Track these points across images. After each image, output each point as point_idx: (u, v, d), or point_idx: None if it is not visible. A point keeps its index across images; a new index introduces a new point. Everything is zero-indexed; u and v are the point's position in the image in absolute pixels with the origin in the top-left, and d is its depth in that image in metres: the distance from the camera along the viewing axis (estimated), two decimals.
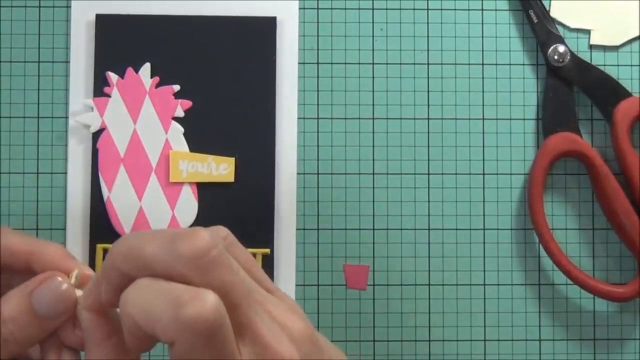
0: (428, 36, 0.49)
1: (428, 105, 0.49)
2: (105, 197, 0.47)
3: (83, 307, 0.31)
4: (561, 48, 0.47)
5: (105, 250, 0.47)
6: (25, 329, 0.31)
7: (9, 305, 0.31)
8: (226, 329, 0.28)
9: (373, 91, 0.49)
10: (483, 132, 0.48)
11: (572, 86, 0.48)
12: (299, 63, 0.48)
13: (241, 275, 0.29)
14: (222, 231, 0.31)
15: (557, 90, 0.48)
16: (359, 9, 0.49)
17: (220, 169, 0.48)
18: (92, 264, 0.47)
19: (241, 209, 0.48)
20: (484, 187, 0.48)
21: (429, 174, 0.48)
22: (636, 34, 0.49)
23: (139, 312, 0.28)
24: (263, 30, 0.48)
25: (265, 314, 0.30)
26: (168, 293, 0.28)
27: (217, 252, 0.28)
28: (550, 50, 0.47)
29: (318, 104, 0.48)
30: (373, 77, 0.49)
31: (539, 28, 0.48)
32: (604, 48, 0.49)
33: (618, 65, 0.49)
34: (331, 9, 0.49)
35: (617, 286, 0.47)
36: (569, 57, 0.47)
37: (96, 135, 0.48)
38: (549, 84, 0.48)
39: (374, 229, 0.48)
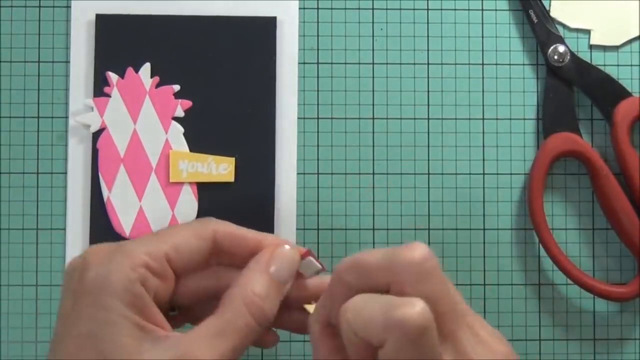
0: (428, 36, 0.49)
1: (428, 105, 0.49)
2: (105, 197, 0.47)
3: (315, 320, 0.35)
4: (561, 48, 0.47)
5: None
6: (275, 300, 0.36)
7: (257, 286, 0.35)
8: (432, 332, 0.30)
9: (373, 91, 0.49)
10: (483, 132, 0.48)
11: (572, 86, 0.48)
12: (299, 63, 0.48)
13: (449, 288, 0.32)
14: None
15: (557, 90, 0.48)
16: (359, 9, 0.49)
17: (220, 169, 0.48)
18: None
19: (241, 209, 0.48)
20: (484, 187, 0.48)
21: (429, 174, 0.48)
22: (636, 34, 0.49)
23: (354, 317, 0.31)
24: (263, 30, 0.48)
25: (467, 329, 0.33)
26: (381, 300, 0.31)
27: (432, 263, 0.32)
28: (550, 50, 0.47)
29: (318, 104, 0.48)
30: (373, 77, 0.49)
31: (539, 28, 0.48)
32: (604, 48, 0.49)
33: (618, 65, 0.49)
34: (331, 9, 0.49)
35: (617, 286, 0.47)
36: (569, 57, 0.47)
37: (96, 135, 0.48)
38: (549, 84, 0.48)
39: (374, 229, 0.48)
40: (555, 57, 0.47)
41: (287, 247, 0.37)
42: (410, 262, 0.31)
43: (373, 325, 0.30)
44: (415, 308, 0.30)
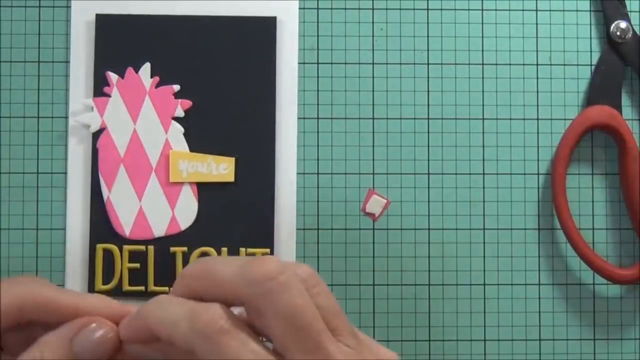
0: (428, 36, 0.49)
1: (428, 105, 0.49)
2: (105, 197, 0.47)
3: (124, 339, 0.33)
4: (623, 24, 0.48)
5: (105, 250, 0.47)
6: None
7: (49, 349, 0.32)
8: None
9: (373, 91, 0.49)
10: (483, 132, 0.49)
11: (627, 64, 0.48)
12: (299, 63, 0.48)
13: (306, 299, 0.30)
14: (304, 270, 0.31)
15: (611, 64, 0.48)
16: (359, 9, 0.49)
17: (220, 169, 0.48)
18: (92, 264, 0.47)
19: (241, 209, 0.48)
20: (484, 187, 0.48)
21: (429, 174, 0.48)
22: None
23: (156, 321, 0.30)
24: (263, 30, 0.48)
25: (341, 345, 0.30)
26: (184, 305, 0.30)
27: (286, 277, 0.29)
28: (613, 25, 0.48)
29: (318, 104, 0.48)
30: (373, 77, 0.49)
31: (608, 1, 0.48)
32: None
33: None
34: (331, 9, 0.49)
35: (619, 268, 0.47)
36: (630, 35, 0.48)
37: (96, 135, 0.48)
38: (604, 57, 0.48)
39: (374, 229, 0.48)
40: (618, 33, 0.48)
41: (94, 326, 0.33)
42: (261, 277, 0.29)
43: (177, 330, 0.30)
44: (214, 311, 0.29)
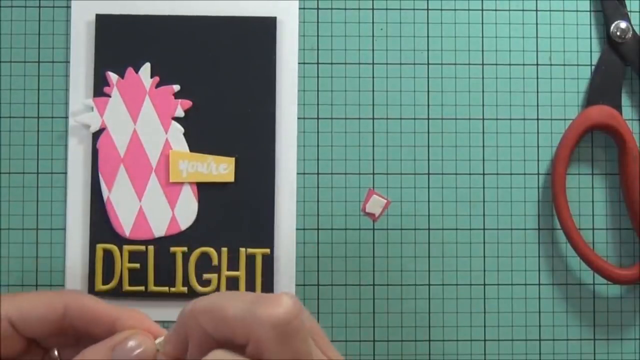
0: (428, 36, 0.49)
1: (428, 105, 0.49)
2: (105, 197, 0.47)
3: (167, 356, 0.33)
4: (623, 24, 0.47)
5: (105, 250, 0.47)
6: None
7: (92, 357, 0.34)
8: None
9: (373, 91, 0.49)
10: (483, 132, 0.49)
11: (627, 64, 0.48)
12: (299, 63, 0.48)
13: (310, 344, 0.30)
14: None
15: (611, 64, 0.48)
16: (359, 9, 0.49)
17: (220, 169, 0.48)
18: (92, 264, 0.47)
19: (241, 209, 0.48)
20: (483, 187, 0.48)
21: (429, 174, 0.48)
22: None
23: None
24: (263, 30, 0.48)
25: None
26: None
27: (298, 322, 0.29)
28: (613, 25, 0.48)
29: (318, 104, 0.48)
30: (373, 77, 0.49)
31: (608, 1, 0.48)
32: None
33: None
34: (331, 9, 0.49)
35: (619, 269, 0.47)
36: (630, 35, 0.48)
37: (96, 135, 0.48)
38: (604, 58, 0.48)
39: (374, 229, 0.48)
40: (618, 33, 0.48)
41: (131, 343, 0.34)
42: (275, 322, 0.29)
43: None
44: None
